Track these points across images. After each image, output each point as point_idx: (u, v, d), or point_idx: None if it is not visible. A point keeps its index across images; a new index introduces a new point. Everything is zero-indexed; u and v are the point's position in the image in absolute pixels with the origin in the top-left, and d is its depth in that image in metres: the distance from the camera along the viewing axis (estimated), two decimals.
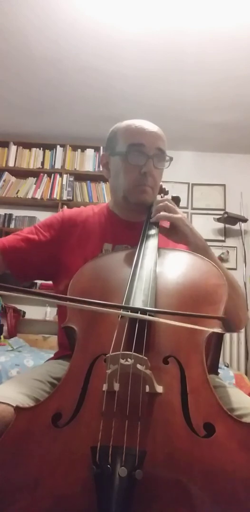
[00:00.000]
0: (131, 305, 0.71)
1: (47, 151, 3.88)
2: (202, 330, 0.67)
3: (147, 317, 0.66)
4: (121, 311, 0.68)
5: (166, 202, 0.98)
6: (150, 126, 1.05)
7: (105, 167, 1.14)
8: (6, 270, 1.06)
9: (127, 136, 1.04)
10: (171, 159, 1.07)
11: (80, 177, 3.81)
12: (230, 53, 2.69)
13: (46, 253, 1.07)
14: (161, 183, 1.11)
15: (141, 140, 1.02)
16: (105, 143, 1.14)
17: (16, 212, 3.81)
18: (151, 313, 0.68)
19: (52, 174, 3.79)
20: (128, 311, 0.68)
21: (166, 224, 0.99)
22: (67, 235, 1.09)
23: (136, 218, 1.09)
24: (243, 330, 3.38)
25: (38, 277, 1.24)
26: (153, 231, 0.98)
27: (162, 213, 0.96)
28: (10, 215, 3.77)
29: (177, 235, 0.96)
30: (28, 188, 3.78)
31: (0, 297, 3.38)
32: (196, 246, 0.95)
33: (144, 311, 0.67)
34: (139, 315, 0.66)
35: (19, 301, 3.45)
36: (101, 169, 1.19)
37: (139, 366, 0.56)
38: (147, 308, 0.69)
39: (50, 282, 1.16)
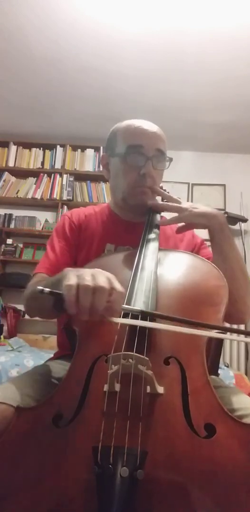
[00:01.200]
0: (131, 306, 0.71)
1: (47, 151, 3.88)
2: (202, 334, 0.67)
3: (146, 323, 0.66)
4: (122, 313, 0.68)
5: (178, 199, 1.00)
6: (149, 126, 1.05)
7: (105, 168, 1.14)
8: None
9: (126, 137, 1.04)
10: (171, 159, 1.06)
11: (80, 177, 3.81)
12: (230, 53, 2.69)
13: (73, 259, 1.06)
14: (161, 183, 1.11)
15: (140, 141, 1.02)
16: (105, 143, 1.14)
17: (16, 212, 3.80)
18: (152, 316, 0.69)
19: (52, 174, 3.79)
20: (129, 315, 0.68)
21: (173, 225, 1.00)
22: (78, 237, 1.09)
23: (137, 218, 1.09)
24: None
25: None
26: (154, 232, 0.99)
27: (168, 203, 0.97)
28: (10, 215, 3.77)
29: (190, 227, 0.98)
30: (28, 188, 3.78)
31: (0, 297, 3.39)
32: (212, 227, 0.95)
33: (145, 314, 0.67)
34: (138, 321, 0.66)
35: (19, 301, 3.45)
36: (101, 169, 1.19)
37: (140, 366, 0.57)
38: (148, 311, 0.69)
39: None
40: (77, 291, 0.62)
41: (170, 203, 1.00)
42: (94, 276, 0.64)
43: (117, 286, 0.65)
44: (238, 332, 0.69)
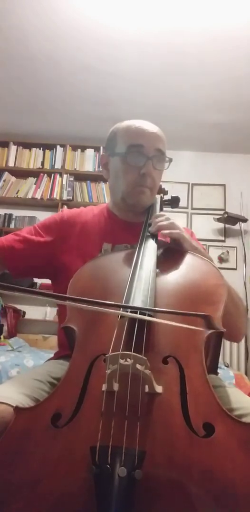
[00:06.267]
0: (130, 305, 0.71)
1: (47, 151, 3.88)
2: (202, 330, 0.67)
3: (146, 317, 0.66)
4: (120, 311, 0.68)
5: (172, 221, 0.96)
6: (149, 127, 1.05)
7: (104, 167, 1.14)
8: (4, 269, 1.07)
9: (126, 137, 1.04)
10: (171, 160, 1.06)
11: (80, 177, 3.81)
12: (230, 53, 2.69)
13: (44, 254, 1.08)
14: (160, 183, 1.11)
15: (140, 141, 1.02)
16: (105, 143, 1.14)
17: (16, 212, 3.81)
18: (150, 312, 0.68)
19: (52, 174, 3.79)
20: (127, 311, 0.68)
21: (166, 239, 0.99)
22: (66, 236, 1.09)
23: (135, 218, 1.09)
24: None
25: (36, 275, 1.27)
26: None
27: (164, 223, 0.94)
28: (10, 215, 3.77)
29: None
30: (28, 188, 3.78)
31: (0, 297, 3.39)
32: None
33: (143, 311, 0.67)
34: (138, 315, 0.66)
35: (19, 301, 3.45)
36: (101, 169, 1.20)
37: (138, 366, 0.56)
38: (146, 307, 0.69)
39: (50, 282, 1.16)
40: None
41: (164, 223, 0.95)
42: None
43: None
44: None
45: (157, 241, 0.97)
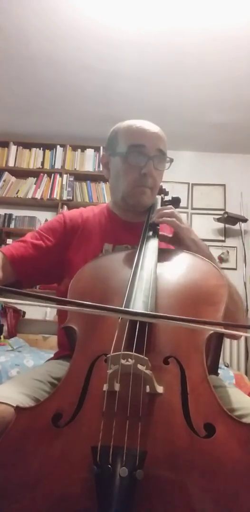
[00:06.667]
0: (131, 306, 0.71)
1: (47, 151, 3.88)
2: (202, 330, 0.67)
3: (147, 319, 0.66)
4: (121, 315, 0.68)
5: (173, 210, 0.98)
6: (151, 127, 1.05)
7: (105, 167, 1.14)
8: (16, 278, 1.04)
9: (127, 137, 1.04)
10: (171, 160, 1.06)
11: (80, 177, 3.81)
12: (230, 53, 2.69)
13: (53, 258, 1.07)
14: (161, 184, 1.11)
15: (142, 141, 1.02)
16: (105, 143, 1.14)
17: (16, 212, 3.80)
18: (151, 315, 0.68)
19: (52, 174, 3.79)
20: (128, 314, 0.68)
21: (168, 231, 0.99)
22: (70, 237, 1.09)
23: (135, 218, 1.09)
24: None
25: (44, 281, 1.23)
26: (153, 233, 0.98)
27: (168, 218, 0.95)
28: (10, 215, 3.77)
29: (182, 246, 0.96)
30: (28, 188, 3.78)
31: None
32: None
33: (145, 318, 0.67)
34: (139, 317, 0.66)
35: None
36: (101, 169, 1.20)
37: (139, 366, 0.57)
38: (147, 312, 0.69)
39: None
40: None
41: (169, 218, 0.97)
42: None
43: None
44: (236, 326, 0.69)
45: (158, 234, 0.97)
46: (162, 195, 1.14)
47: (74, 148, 3.88)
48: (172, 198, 1.13)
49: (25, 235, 1.12)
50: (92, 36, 2.63)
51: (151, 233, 0.98)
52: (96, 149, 3.82)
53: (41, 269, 1.07)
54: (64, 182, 3.75)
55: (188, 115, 3.41)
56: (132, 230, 1.05)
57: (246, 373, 3.26)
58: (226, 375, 2.30)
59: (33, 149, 3.88)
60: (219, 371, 0.96)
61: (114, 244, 1.06)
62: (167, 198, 1.15)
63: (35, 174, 3.82)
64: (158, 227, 1.00)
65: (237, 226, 3.73)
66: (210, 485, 0.50)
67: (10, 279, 1.02)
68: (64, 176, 3.77)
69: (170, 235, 0.99)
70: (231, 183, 3.88)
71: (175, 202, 1.15)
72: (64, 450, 0.55)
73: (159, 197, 1.12)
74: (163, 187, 1.13)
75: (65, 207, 3.70)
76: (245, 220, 3.71)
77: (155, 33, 2.57)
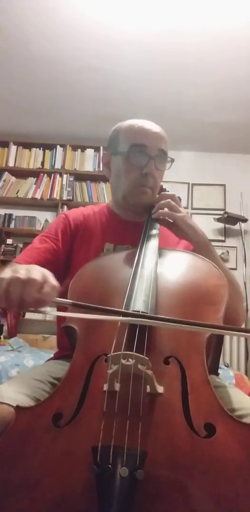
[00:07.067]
0: (132, 305, 0.71)
1: (47, 151, 3.88)
2: (203, 331, 0.67)
3: (147, 321, 0.65)
4: (121, 317, 0.67)
5: (169, 200, 0.99)
6: (152, 126, 1.05)
7: (106, 166, 1.14)
8: None
9: (129, 136, 1.04)
10: (173, 160, 1.07)
11: (80, 177, 3.81)
12: (230, 53, 2.69)
13: (63, 259, 1.07)
14: (161, 183, 1.11)
15: (143, 140, 1.02)
16: (106, 143, 1.13)
17: (16, 212, 3.80)
18: (152, 314, 0.68)
19: (52, 174, 3.79)
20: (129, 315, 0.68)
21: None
22: (74, 237, 1.09)
23: (136, 218, 1.09)
24: None
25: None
26: (154, 231, 0.99)
27: (165, 210, 0.98)
28: (10, 215, 3.77)
29: (178, 232, 0.99)
30: (28, 188, 3.78)
31: None
32: (198, 243, 0.97)
33: (144, 320, 0.66)
34: (138, 319, 0.65)
35: None
36: (101, 169, 1.20)
37: (140, 366, 0.57)
38: (147, 314, 0.69)
39: None
40: (8, 284, 0.64)
41: (168, 211, 0.99)
42: (29, 270, 0.67)
43: (51, 279, 0.68)
44: (236, 330, 0.68)
45: (159, 224, 1.01)
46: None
47: (74, 148, 3.87)
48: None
49: (25, 235, 1.11)
50: (92, 36, 2.63)
51: (153, 230, 0.99)
52: (96, 149, 3.81)
53: (55, 272, 1.06)
54: (64, 182, 3.75)
55: (188, 115, 3.41)
56: (133, 230, 1.05)
57: (246, 373, 3.26)
58: (226, 375, 2.30)
59: (33, 149, 3.88)
60: (219, 371, 0.96)
61: (116, 244, 1.06)
62: (169, 193, 1.15)
63: (35, 174, 3.81)
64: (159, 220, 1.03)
65: (237, 226, 3.73)
66: (210, 485, 0.50)
67: None
68: (64, 176, 3.77)
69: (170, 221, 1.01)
70: (231, 183, 3.87)
71: None
72: (64, 450, 0.55)
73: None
74: (163, 187, 1.13)
75: (65, 207, 3.69)
76: (245, 220, 3.70)
77: (155, 33, 2.56)
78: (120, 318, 0.67)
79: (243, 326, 3.37)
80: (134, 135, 1.03)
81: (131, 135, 1.04)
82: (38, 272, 0.67)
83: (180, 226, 0.97)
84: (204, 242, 0.97)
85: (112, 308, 0.67)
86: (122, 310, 0.70)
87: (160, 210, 0.99)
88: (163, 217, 1.00)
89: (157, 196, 1.07)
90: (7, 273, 0.66)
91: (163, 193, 1.05)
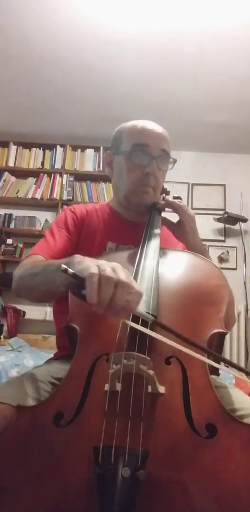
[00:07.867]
0: (144, 312, 0.70)
1: (47, 151, 3.87)
2: (204, 330, 0.67)
3: (146, 330, 0.64)
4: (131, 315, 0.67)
5: (180, 199, 1.05)
6: (155, 127, 1.05)
7: (109, 165, 1.14)
8: None
9: (131, 136, 1.05)
10: (175, 161, 1.07)
11: (80, 177, 3.81)
12: (230, 53, 2.69)
13: (73, 251, 1.04)
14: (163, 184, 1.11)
15: (146, 140, 1.02)
16: (106, 143, 1.14)
17: (16, 212, 3.80)
18: (154, 313, 0.68)
19: (52, 174, 3.78)
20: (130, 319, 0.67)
21: (173, 220, 1.03)
22: (80, 231, 1.10)
23: (138, 218, 1.09)
24: (243, 330, 3.38)
25: None
26: (155, 231, 0.99)
27: (177, 201, 1.03)
28: (10, 215, 3.76)
29: (178, 232, 1.02)
30: (28, 188, 3.78)
31: (0, 297, 3.39)
32: (194, 247, 0.99)
33: (157, 324, 0.65)
34: (147, 330, 0.64)
35: (19, 301, 3.44)
36: (101, 168, 1.20)
37: (141, 366, 0.57)
38: (148, 315, 0.68)
39: None
40: (99, 280, 0.58)
41: (177, 201, 1.04)
42: (115, 269, 0.60)
43: (137, 285, 0.61)
44: (238, 368, 0.67)
45: (161, 215, 1.04)
46: (164, 195, 1.14)
47: (74, 148, 3.87)
48: (173, 197, 1.13)
49: (25, 235, 1.12)
50: (92, 36, 2.62)
51: (154, 230, 1.00)
52: (96, 149, 3.81)
53: None
54: (64, 182, 3.74)
55: (188, 115, 3.41)
56: (135, 229, 1.05)
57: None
58: (226, 375, 2.29)
59: (33, 149, 3.87)
60: (219, 371, 0.96)
61: (118, 243, 1.06)
62: (168, 197, 1.15)
63: (35, 174, 3.81)
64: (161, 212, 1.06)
65: (237, 226, 3.73)
66: (212, 485, 0.50)
67: None
68: (64, 176, 3.76)
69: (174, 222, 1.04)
70: (231, 183, 3.87)
71: None
72: (65, 449, 0.55)
73: (160, 197, 1.12)
74: (165, 187, 1.13)
75: (65, 207, 3.68)
76: (245, 220, 3.70)
77: (155, 32, 2.56)
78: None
79: (243, 326, 3.34)
80: (136, 134, 1.04)
81: (133, 134, 1.04)
82: (124, 273, 0.61)
83: (185, 224, 1.00)
84: (200, 249, 1.00)
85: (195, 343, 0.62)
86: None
87: (170, 199, 1.03)
88: (170, 207, 1.03)
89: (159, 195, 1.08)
90: (93, 268, 0.59)
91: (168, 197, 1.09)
